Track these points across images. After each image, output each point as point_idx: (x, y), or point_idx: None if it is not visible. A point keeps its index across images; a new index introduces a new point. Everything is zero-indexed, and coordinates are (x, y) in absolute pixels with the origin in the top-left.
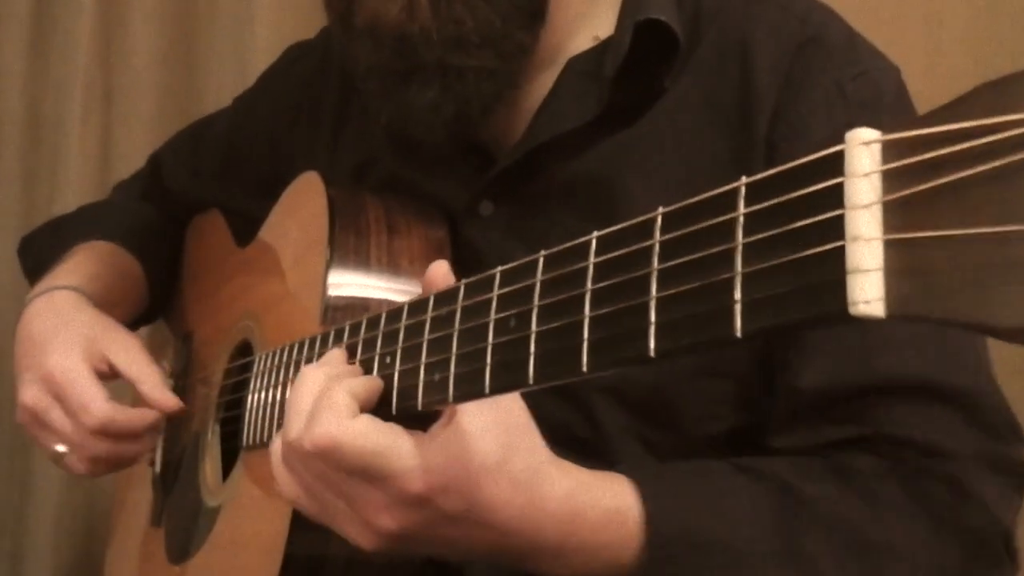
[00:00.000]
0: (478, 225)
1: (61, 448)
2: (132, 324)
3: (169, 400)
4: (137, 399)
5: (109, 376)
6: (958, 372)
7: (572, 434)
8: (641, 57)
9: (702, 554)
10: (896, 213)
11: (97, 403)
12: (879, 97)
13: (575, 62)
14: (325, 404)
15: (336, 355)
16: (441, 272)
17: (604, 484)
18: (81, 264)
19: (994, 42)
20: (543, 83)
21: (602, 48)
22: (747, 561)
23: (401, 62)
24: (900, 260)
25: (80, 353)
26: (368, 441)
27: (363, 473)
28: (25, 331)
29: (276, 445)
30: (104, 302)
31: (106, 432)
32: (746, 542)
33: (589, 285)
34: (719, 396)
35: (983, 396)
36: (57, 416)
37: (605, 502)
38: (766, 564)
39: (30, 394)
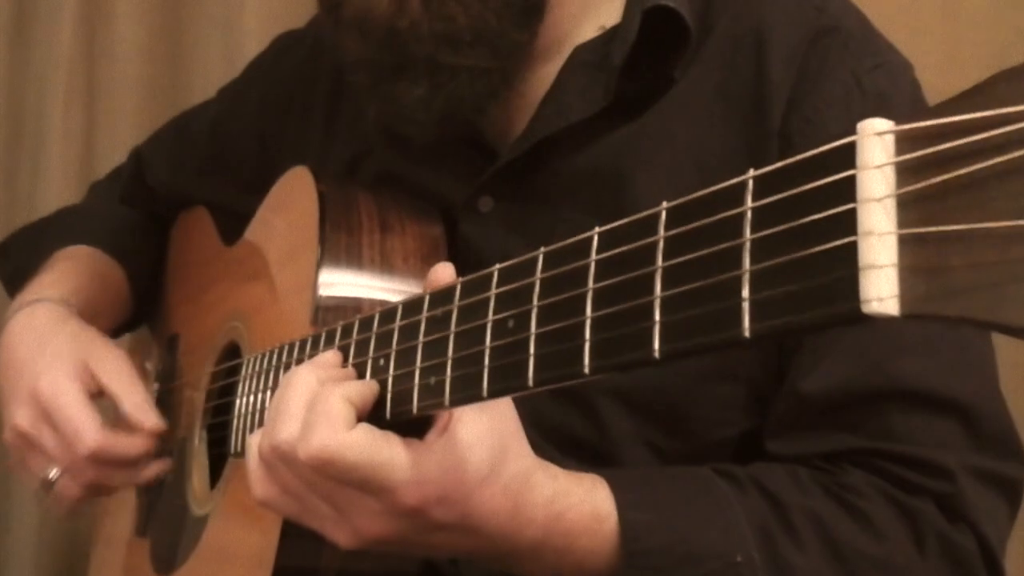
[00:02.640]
0: (477, 222)
1: (52, 475)
2: (116, 331)
3: (150, 420)
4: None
5: (97, 394)
6: (965, 383)
7: (577, 439)
8: (650, 46)
9: (679, 563)
10: (910, 207)
11: (90, 430)
12: (896, 90)
13: (580, 52)
14: (321, 412)
15: (329, 357)
16: (446, 275)
17: (583, 489)
18: (63, 274)
19: (1013, 33)
20: (546, 74)
21: (608, 37)
22: (725, 572)
23: (390, 56)
24: (914, 256)
25: (70, 373)
26: (365, 455)
27: (359, 485)
28: (9, 349)
29: (254, 442)
30: (88, 312)
31: (100, 460)
32: (725, 553)
33: (591, 284)
34: (729, 401)
35: (987, 410)
36: (50, 441)
37: (584, 507)
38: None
39: (23, 416)
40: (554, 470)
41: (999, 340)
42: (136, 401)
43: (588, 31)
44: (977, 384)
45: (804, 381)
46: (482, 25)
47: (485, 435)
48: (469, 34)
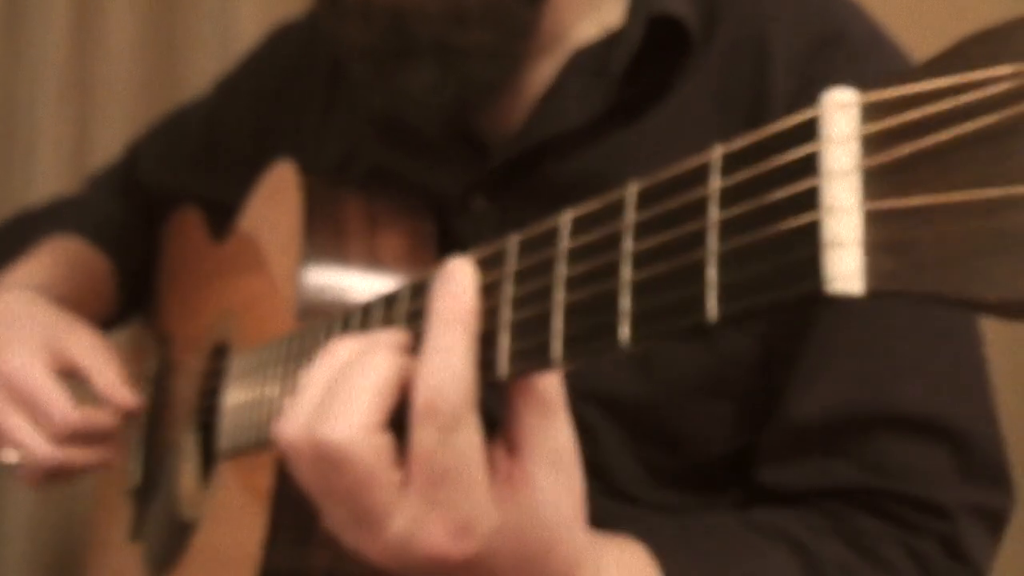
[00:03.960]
0: (469, 221)
1: (13, 456)
2: (103, 325)
3: (123, 396)
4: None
5: (68, 373)
6: (959, 408)
7: None
8: (651, 53)
9: None
10: (876, 181)
11: (63, 408)
12: None
13: (580, 56)
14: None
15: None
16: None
17: (630, 564)
18: (39, 264)
19: None
20: (543, 70)
21: (609, 41)
22: None
23: (395, 42)
24: (880, 231)
25: (39, 354)
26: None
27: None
28: None
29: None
30: (66, 301)
31: (74, 437)
32: None
33: (564, 271)
34: (720, 417)
35: (979, 436)
36: (17, 422)
37: None
38: None
39: None
40: (601, 564)
41: (997, 342)
42: (108, 378)
43: (589, 28)
44: (971, 408)
45: (798, 405)
46: (489, 0)
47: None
48: (477, 10)
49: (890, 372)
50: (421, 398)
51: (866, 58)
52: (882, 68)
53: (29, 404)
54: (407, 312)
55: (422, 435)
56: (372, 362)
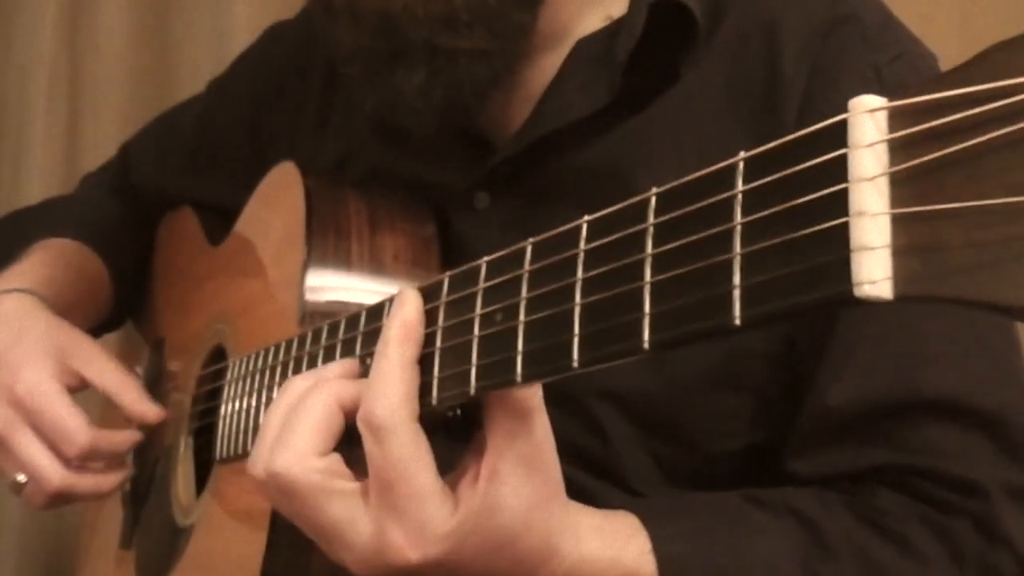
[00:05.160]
0: (472, 219)
1: (21, 477)
2: (96, 329)
3: (152, 410)
4: (105, 415)
5: (78, 389)
6: (994, 393)
7: (578, 447)
8: (656, 40)
9: None
10: (904, 186)
11: (80, 430)
12: (918, 81)
13: (583, 45)
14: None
15: (336, 367)
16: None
17: (614, 551)
18: (36, 265)
19: None
20: (547, 65)
21: (613, 30)
22: None
23: (385, 44)
24: (908, 236)
25: (50, 370)
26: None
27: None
28: None
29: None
30: (61, 305)
31: (90, 459)
32: None
33: (580, 274)
34: (734, 412)
35: (1016, 420)
36: (28, 442)
37: (614, 572)
38: None
39: None
40: (581, 531)
41: None
42: (132, 394)
43: (593, 21)
44: (1007, 393)
45: (828, 394)
46: (480, 4)
47: (518, 496)
48: (467, 14)
49: (922, 357)
50: (360, 413)
51: (878, 41)
52: (894, 52)
53: (44, 426)
54: (371, 331)
55: (366, 446)
56: (314, 396)
